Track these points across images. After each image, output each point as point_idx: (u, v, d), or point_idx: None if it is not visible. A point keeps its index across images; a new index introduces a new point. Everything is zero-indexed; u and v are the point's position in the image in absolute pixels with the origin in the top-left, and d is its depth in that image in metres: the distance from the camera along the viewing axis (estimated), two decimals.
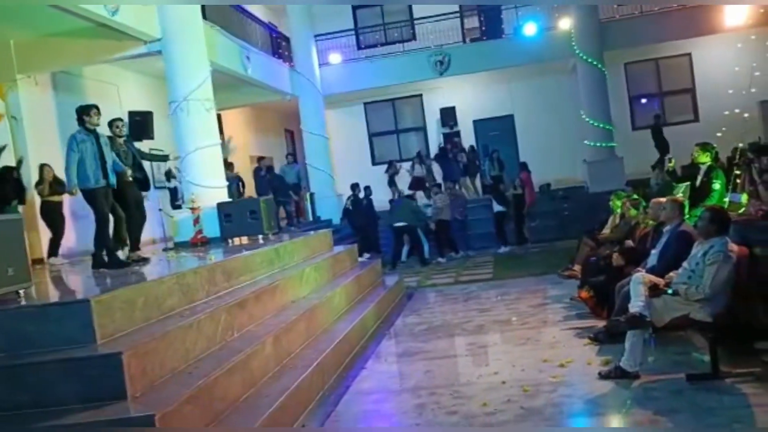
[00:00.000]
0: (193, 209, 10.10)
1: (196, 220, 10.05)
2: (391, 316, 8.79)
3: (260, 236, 9.63)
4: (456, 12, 18.44)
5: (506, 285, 10.44)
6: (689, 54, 17.92)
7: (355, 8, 19.58)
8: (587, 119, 16.42)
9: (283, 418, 4.62)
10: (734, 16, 14.78)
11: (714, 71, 17.16)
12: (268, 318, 6.16)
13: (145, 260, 7.32)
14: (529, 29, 16.95)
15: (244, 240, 9.74)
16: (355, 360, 6.64)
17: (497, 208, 14.64)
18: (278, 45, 17.31)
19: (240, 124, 18.39)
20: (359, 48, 19.42)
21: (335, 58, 18.51)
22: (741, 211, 7.11)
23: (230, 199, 11.08)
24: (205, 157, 10.65)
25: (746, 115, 14.88)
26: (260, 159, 16.56)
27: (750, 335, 5.37)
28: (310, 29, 17.84)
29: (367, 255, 13.59)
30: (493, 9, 17.94)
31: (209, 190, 10.53)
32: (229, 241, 9.76)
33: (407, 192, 16.17)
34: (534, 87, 18.09)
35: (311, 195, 17.38)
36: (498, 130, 18.91)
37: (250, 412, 4.47)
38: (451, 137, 18.69)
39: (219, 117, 16.61)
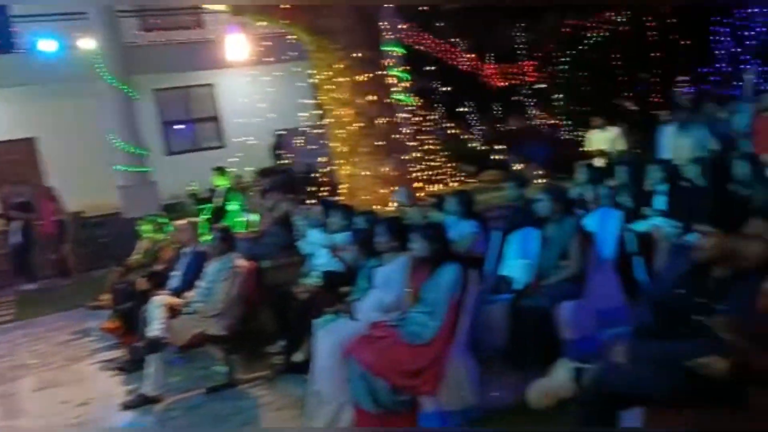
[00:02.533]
0: None
1: None
2: None
3: None
4: None
5: (31, 325, 9.41)
6: (211, 84, 19.08)
7: None
8: (118, 144, 16.04)
9: None
10: (240, 52, 16.21)
11: (236, 101, 18.64)
12: None
13: None
14: (46, 45, 15.77)
15: None
16: None
17: (15, 238, 13.13)
18: None
19: None
20: None
21: None
22: (254, 229, 7.83)
23: None
24: None
25: (262, 143, 16.66)
26: None
27: (261, 341, 5.94)
28: None
29: None
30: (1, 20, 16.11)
31: None
32: None
33: None
34: (60, 107, 16.84)
35: None
36: (17, 154, 17.05)
37: None
38: None
39: None
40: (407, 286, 4.31)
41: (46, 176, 16.58)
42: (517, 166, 10.70)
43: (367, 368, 4.00)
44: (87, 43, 16.10)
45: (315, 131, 9.14)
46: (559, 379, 3.07)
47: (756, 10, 13.23)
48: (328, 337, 4.41)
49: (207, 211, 8.51)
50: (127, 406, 5.11)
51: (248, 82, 17.49)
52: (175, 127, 18.98)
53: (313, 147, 8.98)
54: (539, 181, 10.13)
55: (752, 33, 13.37)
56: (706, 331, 2.85)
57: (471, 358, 4.24)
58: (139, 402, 5.09)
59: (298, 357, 5.27)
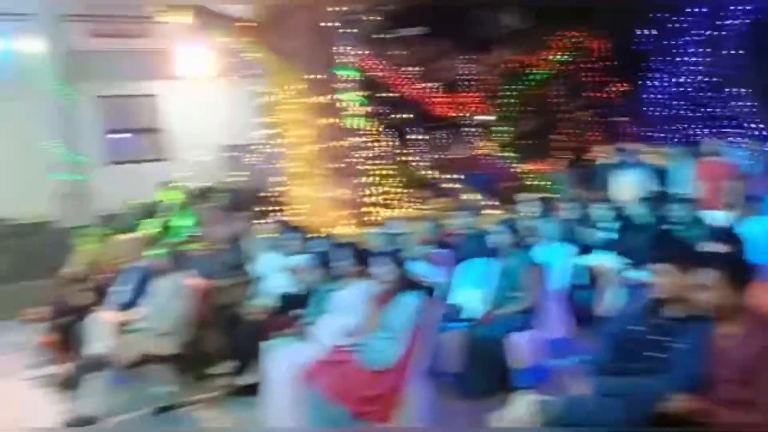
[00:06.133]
0: None
1: None
2: None
3: None
4: None
5: None
6: (154, 95, 18.72)
7: None
8: (56, 150, 15.50)
9: None
10: (192, 65, 15.97)
11: (179, 114, 18.36)
12: None
13: None
14: None
15: None
16: None
17: None
18: None
19: None
20: None
21: None
22: (204, 246, 7.66)
23: None
24: None
25: (209, 158, 16.41)
26: None
27: (208, 362, 5.82)
28: None
29: None
30: None
31: None
32: None
33: None
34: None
35: None
36: None
37: None
38: None
39: None
40: (367, 312, 4.31)
41: None
42: (465, 196, 10.88)
43: (325, 393, 3.97)
44: (33, 46, 15.58)
45: (267, 150, 9.09)
46: (520, 410, 3.12)
47: (687, 58, 13.95)
48: (282, 360, 4.36)
49: (151, 226, 8.28)
50: (68, 426, 4.90)
51: (194, 95, 17.25)
52: (117, 136, 18.49)
53: (266, 166, 8.92)
54: (487, 211, 10.31)
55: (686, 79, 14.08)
56: (661, 367, 2.97)
57: (428, 386, 4.28)
58: (80, 422, 4.89)
59: (246, 379, 5.20)
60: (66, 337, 6.76)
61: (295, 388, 4.19)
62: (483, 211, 10.15)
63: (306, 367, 4.18)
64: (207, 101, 16.12)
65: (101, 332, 5.08)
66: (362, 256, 4.63)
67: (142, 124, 18.76)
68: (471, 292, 5.47)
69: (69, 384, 5.75)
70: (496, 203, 10.93)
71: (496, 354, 4.74)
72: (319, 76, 8.44)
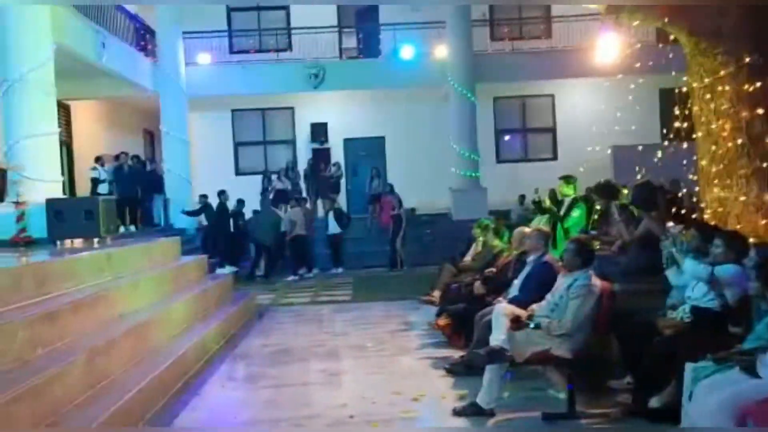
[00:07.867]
0: (18, 204, 8.83)
1: (20, 217, 8.79)
2: (237, 336, 8.05)
3: (95, 240, 8.55)
4: (334, 27, 18.13)
5: (364, 308, 10.02)
6: (552, 95, 18.69)
7: (230, 9, 18.73)
8: (456, 148, 16.54)
9: None
10: (598, 62, 15.45)
11: (574, 113, 18.01)
12: (87, 333, 5.27)
13: None
14: (406, 52, 16.91)
15: (77, 243, 8.62)
16: (189, 385, 5.88)
17: (334, 230, 14.38)
18: (142, 37, 16.07)
19: (91, 119, 16.85)
20: (231, 52, 18.55)
21: (204, 58, 17.49)
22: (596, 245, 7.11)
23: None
24: (39, 146, 9.40)
25: (608, 152, 15.67)
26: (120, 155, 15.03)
27: (605, 373, 5.25)
28: (179, 24, 16.73)
29: (230, 268, 13.01)
30: (371, 28, 17.84)
31: (41, 183, 9.29)
32: (58, 242, 8.59)
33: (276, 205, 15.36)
34: (406, 111, 18.05)
35: (166, 200, 16.20)
36: (368, 151, 18.68)
37: None
38: (322, 154, 18.29)
39: (67, 108, 15.15)
40: None
41: (390, 173, 17.86)
42: None
43: None
44: (441, 52, 16.93)
45: (678, 146, 8.05)
46: None
47: None
48: (715, 391, 3.56)
49: (545, 221, 8.00)
50: (458, 413, 4.84)
51: (593, 92, 16.80)
52: (508, 136, 19.04)
53: (677, 163, 7.91)
54: None
55: None
56: None
57: None
58: (472, 411, 4.78)
59: (655, 402, 4.48)
60: (457, 323, 6.91)
61: (727, 425, 3.37)
62: None
63: (743, 404, 3.34)
64: (606, 98, 15.46)
65: (501, 325, 4.89)
66: None
67: (535, 124, 19.00)
68: None
69: (462, 369, 5.79)
70: None
71: None
72: (752, 60, 7.09)
